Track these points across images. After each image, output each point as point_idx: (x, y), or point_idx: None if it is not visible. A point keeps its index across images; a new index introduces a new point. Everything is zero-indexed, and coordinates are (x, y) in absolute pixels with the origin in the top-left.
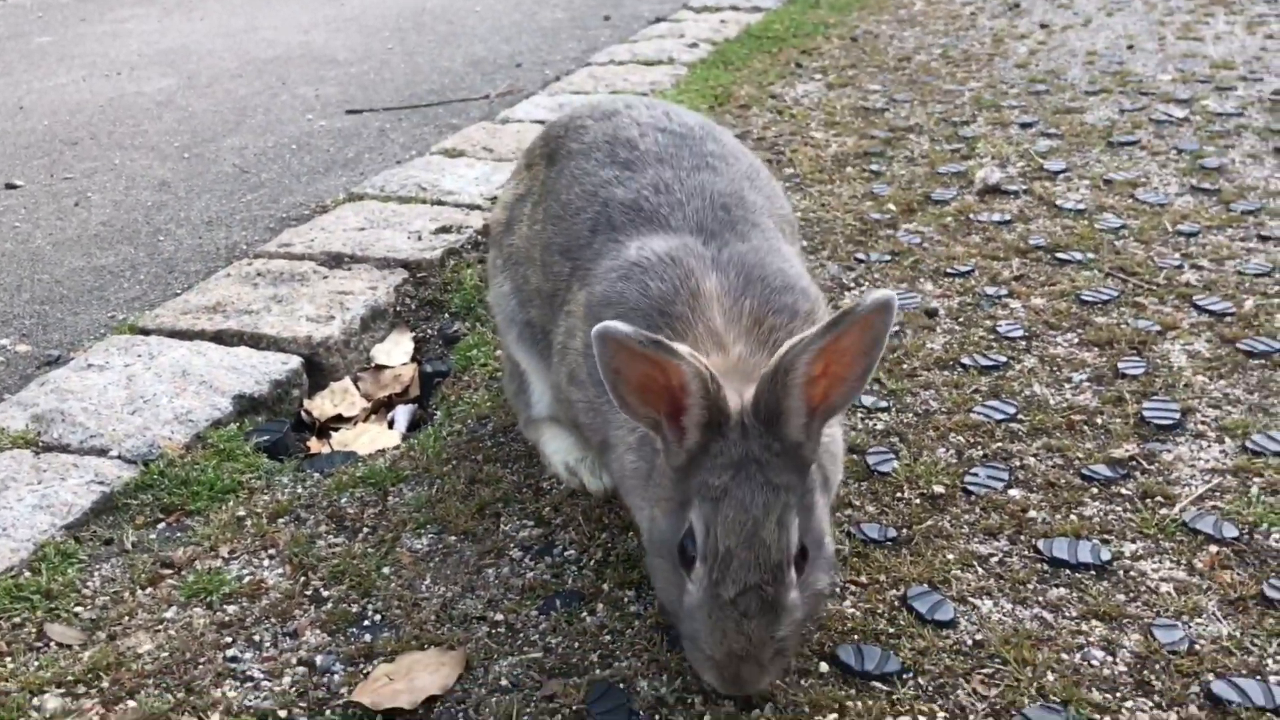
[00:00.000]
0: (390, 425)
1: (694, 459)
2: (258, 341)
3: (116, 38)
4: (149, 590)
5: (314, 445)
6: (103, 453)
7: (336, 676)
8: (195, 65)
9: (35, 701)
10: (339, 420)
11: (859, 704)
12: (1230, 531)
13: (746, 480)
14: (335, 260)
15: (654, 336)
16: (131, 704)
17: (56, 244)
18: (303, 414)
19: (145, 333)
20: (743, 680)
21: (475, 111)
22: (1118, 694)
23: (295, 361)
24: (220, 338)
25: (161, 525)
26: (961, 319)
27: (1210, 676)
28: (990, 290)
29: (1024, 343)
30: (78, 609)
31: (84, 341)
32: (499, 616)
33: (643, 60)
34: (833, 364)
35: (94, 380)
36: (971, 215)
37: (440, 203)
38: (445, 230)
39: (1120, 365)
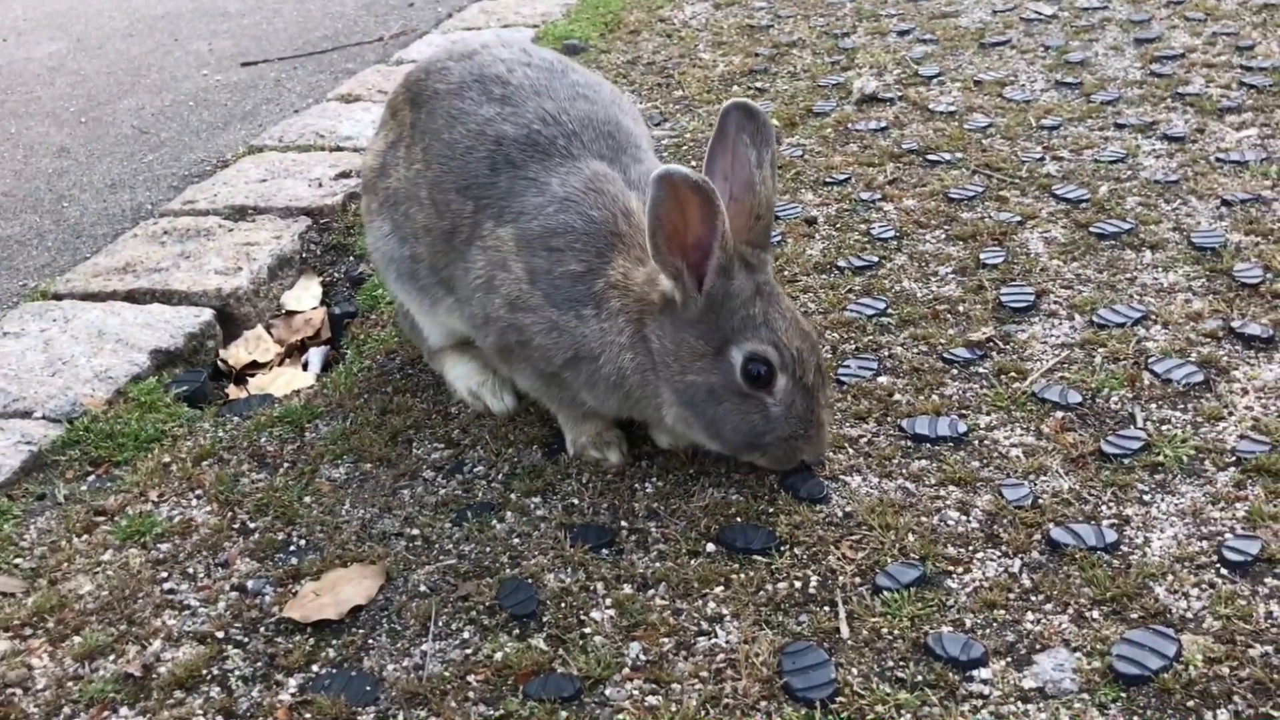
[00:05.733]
0: (304, 367)
1: (712, 304)
2: (169, 298)
3: None
4: (84, 537)
5: (232, 392)
6: (27, 415)
7: (267, 597)
8: (84, 27)
9: None
10: (255, 366)
11: (742, 575)
12: (1075, 398)
13: (772, 297)
14: (239, 213)
15: (709, 180)
16: (77, 639)
17: None
18: (219, 363)
19: (58, 298)
20: (829, 437)
21: (370, 55)
22: (969, 547)
23: (208, 314)
24: (132, 297)
25: (91, 477)
26: (838, 225)
27: (1051, 525)
28: (865, 196)
29: (895, 242)
30: (17, 560)
31: None
32: (415, 531)
33: None
34: None
35: (11, 347)
36: (850, 125)
37: (339, 149)
38: (345, 175)
39: (982, 256)
